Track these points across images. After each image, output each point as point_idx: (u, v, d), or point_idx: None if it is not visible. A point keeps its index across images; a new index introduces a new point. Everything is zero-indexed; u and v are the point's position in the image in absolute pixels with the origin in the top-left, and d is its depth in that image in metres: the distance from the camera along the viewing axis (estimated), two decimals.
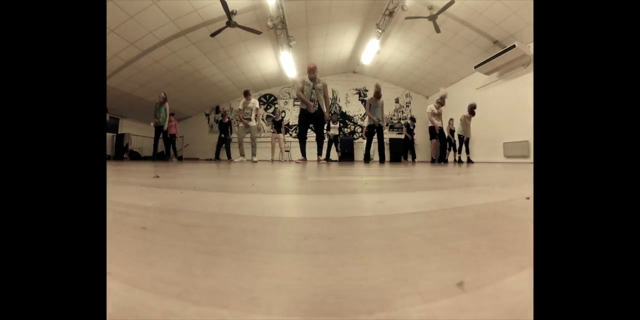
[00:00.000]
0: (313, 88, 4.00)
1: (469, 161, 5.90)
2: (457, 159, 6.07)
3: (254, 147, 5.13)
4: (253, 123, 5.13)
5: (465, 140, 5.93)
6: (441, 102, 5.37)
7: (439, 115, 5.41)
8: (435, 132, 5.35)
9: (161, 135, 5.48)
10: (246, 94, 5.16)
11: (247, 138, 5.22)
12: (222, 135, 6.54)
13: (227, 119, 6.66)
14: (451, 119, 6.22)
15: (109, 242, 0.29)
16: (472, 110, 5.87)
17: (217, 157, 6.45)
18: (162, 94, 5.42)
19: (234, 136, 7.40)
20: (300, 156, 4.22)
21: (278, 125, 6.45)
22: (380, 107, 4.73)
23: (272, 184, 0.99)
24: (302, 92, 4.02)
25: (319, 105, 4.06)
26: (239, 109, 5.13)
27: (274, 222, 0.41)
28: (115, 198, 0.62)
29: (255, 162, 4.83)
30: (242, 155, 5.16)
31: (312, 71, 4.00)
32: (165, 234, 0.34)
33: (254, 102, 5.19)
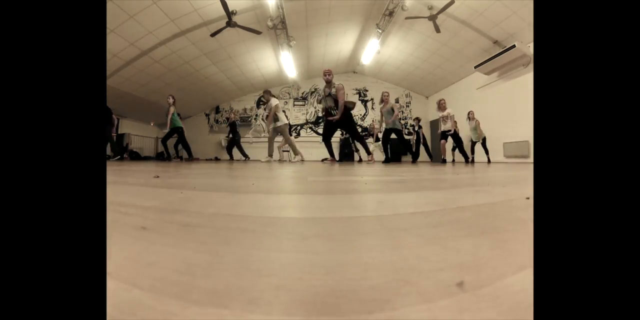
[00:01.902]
0: (329, 94, 4.00)
1: (488, 161, 6.12)
2: (453, 159, 6.23)
3: (292, 146, 4.97)
4: (280, 122, 4.91)
5: (481, 142, 6.17)
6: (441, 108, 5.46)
7: (447, 118, 5.44)
8: (445, 134, 5.40)
9: (174, 135, 5.45)
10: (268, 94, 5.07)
11: (278, 137, 5.13)
12: (231, 136, 6.54)
13: (233, 120, 6.66)
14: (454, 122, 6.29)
15: (109, 242, 0.29)
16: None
17: (245, 156, 6.46)
18: (170, 98, 5.37)
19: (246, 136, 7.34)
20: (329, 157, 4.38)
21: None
22: (388, 111, 4.85)
23: (272, 184, 0.99)
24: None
25: (326, 109, 4.10)
26: (268, 109, 4.96)
27: (274, 222, 0.41)
28: (115, 198, 0.62)
29: (302, 161, 4.78)
30: (271, 155, 4.97)
31: (326, 74, 4.03)
32: (165, 234, 0.34)
33: (273, 101, 4.96)
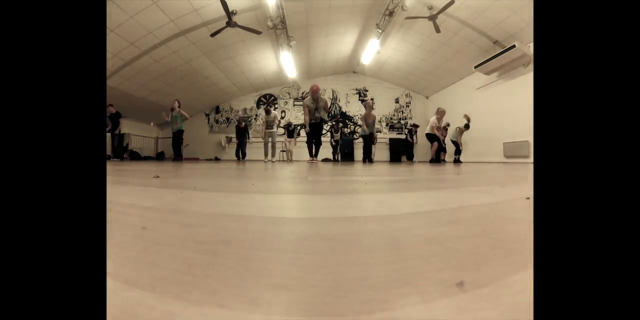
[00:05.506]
0: (316, 108, 4.49)
1: (458, 161, 6.43)
2: (444, 158, 6.54)
3: (273, 149, 5.99)
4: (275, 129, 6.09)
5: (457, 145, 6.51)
6: (441, 119, 5.84)
7: (440, 128, 5.83)
8: (434, 137, 5.74)
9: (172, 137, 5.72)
10: (267, 112, 6.02)
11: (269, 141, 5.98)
12: (239, 139, 6.81)
13: (243, 124, 6.90)
14: (446, 124, 6.38)
15: (109, 242, 0.29)
16: (467, 125, 6.44)
17: (238, 157, 6.79)
18: (176, 102, 5.63)
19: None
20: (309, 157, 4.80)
21: (291, 132, 7.38)
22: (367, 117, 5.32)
23: (272, 184, 0.99)
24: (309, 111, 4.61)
25: (321, 118, 4.60)
26: (263, 121, 5.95)
27: (274, 222, 0.41)
28: (115, 198, 0.62)
29: (274, 162, 5.62)
30: (266, 155, 5.97)
31: (315, 92, 4.41)
32: (165, 234, 0.34)
33: (275, 114, 6.06)
